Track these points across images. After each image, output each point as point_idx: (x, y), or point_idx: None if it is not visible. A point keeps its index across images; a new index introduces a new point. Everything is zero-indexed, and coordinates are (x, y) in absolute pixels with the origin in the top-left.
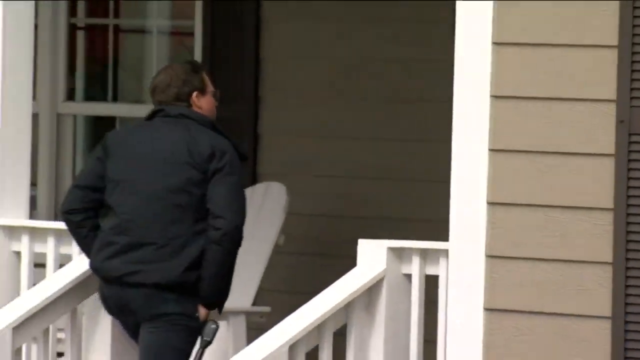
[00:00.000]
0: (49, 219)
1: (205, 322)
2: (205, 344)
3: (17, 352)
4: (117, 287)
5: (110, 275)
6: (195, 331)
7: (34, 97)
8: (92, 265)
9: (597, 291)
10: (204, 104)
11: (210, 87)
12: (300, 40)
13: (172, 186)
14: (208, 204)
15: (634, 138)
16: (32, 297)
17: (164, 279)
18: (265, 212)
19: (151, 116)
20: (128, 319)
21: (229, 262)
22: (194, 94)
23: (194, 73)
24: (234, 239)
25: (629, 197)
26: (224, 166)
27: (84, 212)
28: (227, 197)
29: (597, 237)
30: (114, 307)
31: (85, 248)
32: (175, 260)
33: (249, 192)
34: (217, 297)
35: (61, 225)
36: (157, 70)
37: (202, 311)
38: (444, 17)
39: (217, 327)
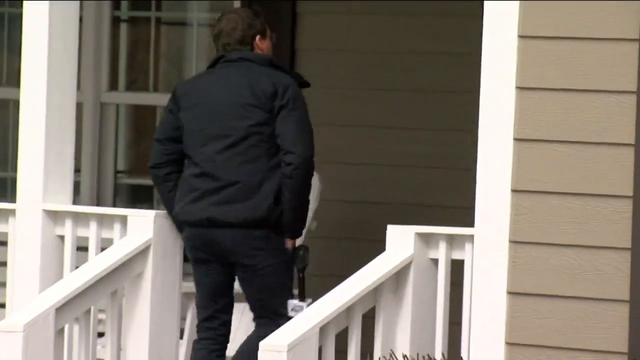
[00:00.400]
0: (91, 204)
1: (294, 250)
2: (302, 270)
3: (59, 332)
4: (202, 229)
5: (195, 219)
6: (288, 263)
7: (78, 87)
8: (176, 211)
9: (615, 276)
10: (265, 46)
11: (269, 31)
12: (334, 33)
13: (242, 128)
14: (277, 139)
15: None
16: (74, 280)
17: (248, 217)
18: None
19: (213, 64)
20: (213, 256)
21: (304, 192)
22: (258, 37)
23: (256, 17)
24: (305, 172)
25: None
26: (288, 102)
27: (169, 165)
28: (294, 132)
29: (617, 224)
30: (199, 245)
31: (169, 203)
32: (257, 196)
33: None
34: (300, 226)
35: (103, 210)
36: (219, 18)
37: (289, 243)
38: (471, 11)
39: (307, 249)
